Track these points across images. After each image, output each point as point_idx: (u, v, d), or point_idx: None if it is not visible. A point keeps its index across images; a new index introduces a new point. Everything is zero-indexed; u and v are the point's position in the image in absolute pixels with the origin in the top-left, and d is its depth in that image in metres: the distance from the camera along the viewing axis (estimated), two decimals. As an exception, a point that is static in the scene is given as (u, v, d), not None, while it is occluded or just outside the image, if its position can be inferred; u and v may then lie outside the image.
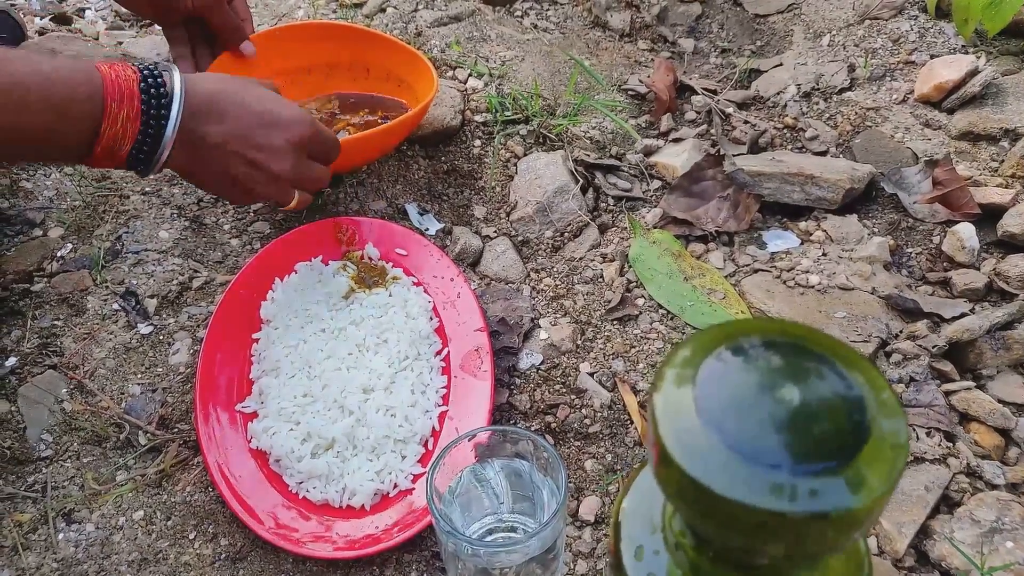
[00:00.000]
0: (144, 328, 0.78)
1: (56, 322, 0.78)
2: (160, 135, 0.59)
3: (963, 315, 0.73)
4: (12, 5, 1.06)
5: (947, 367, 0.69)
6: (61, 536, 0.64)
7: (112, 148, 0.57)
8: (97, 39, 1.11)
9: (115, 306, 0.80)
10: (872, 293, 0.77)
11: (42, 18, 1.15)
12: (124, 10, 1.18)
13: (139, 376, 0.75)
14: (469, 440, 0.56)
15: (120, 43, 1.10)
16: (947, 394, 0.68)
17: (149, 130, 0.58)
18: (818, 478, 0.23)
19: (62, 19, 1.16)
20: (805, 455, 0.23)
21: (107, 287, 0.82)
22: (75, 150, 0.56)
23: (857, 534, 0.24)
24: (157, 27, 1.17)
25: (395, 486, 0.66)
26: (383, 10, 1.16)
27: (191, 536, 0.64)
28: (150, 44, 1.09)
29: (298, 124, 0.67)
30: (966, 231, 0.81)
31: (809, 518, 0.23)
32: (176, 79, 0.59)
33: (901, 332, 0.73)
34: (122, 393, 0.73)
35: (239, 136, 0.63)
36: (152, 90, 0.57)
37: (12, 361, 0.75)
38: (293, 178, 0.69)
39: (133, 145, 0.57)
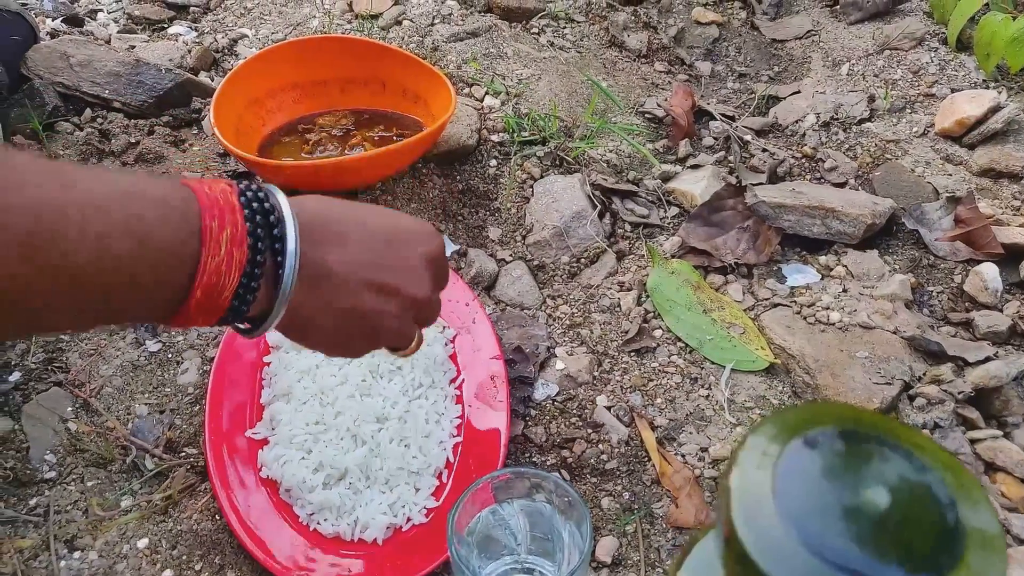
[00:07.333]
0: (152, 345, 0.76)
1: (62, 336, 0.77)
2: (277, 265, 0.41)
3: (987, 359, 0.72)
4: (24, 6, 1.04)
5: (973, 414, 0.68)
6: (63, 564, 0.62)
7: (214, 288, 0.38)
8: (109, 42, 1.09)
9: (122, 322, 0.78)
10: (894, 333, 0.76)
11: (54, 19, 1.13)
12: (137, 12, 1.17)
13: (146, 396, 0.73)
14: (490, 481, 0.54)
15: (132, 47, 1.08)
16: (972, 442, 0.67)
17: (258, 257, 0.40)
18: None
19: (74, 21, 1.14)
20: (898, 565, 0.22)
21: (114, 301, 0.80)
22: (161, 299, 0.38)
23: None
24: (171, 31, 1.15)
25: (408, 520, 0.65)
26: (399, 23, 1.14)
27: (197, 567, 0.63)
28: (163, 49, 1.07)
29: (430, 234, 0.51)
30: (989, 271, 0.80)
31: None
32: (278, 193, 0.43)
33: (924, 375, 0.72)
34: (129, 413, 0.71)
35: (369, 262, 0.46)
36: (254, 204, 0.40)
37: (16, 376, 0.73)
38: (428, 307, 0.52)
39: (239, 283, 0.39)
